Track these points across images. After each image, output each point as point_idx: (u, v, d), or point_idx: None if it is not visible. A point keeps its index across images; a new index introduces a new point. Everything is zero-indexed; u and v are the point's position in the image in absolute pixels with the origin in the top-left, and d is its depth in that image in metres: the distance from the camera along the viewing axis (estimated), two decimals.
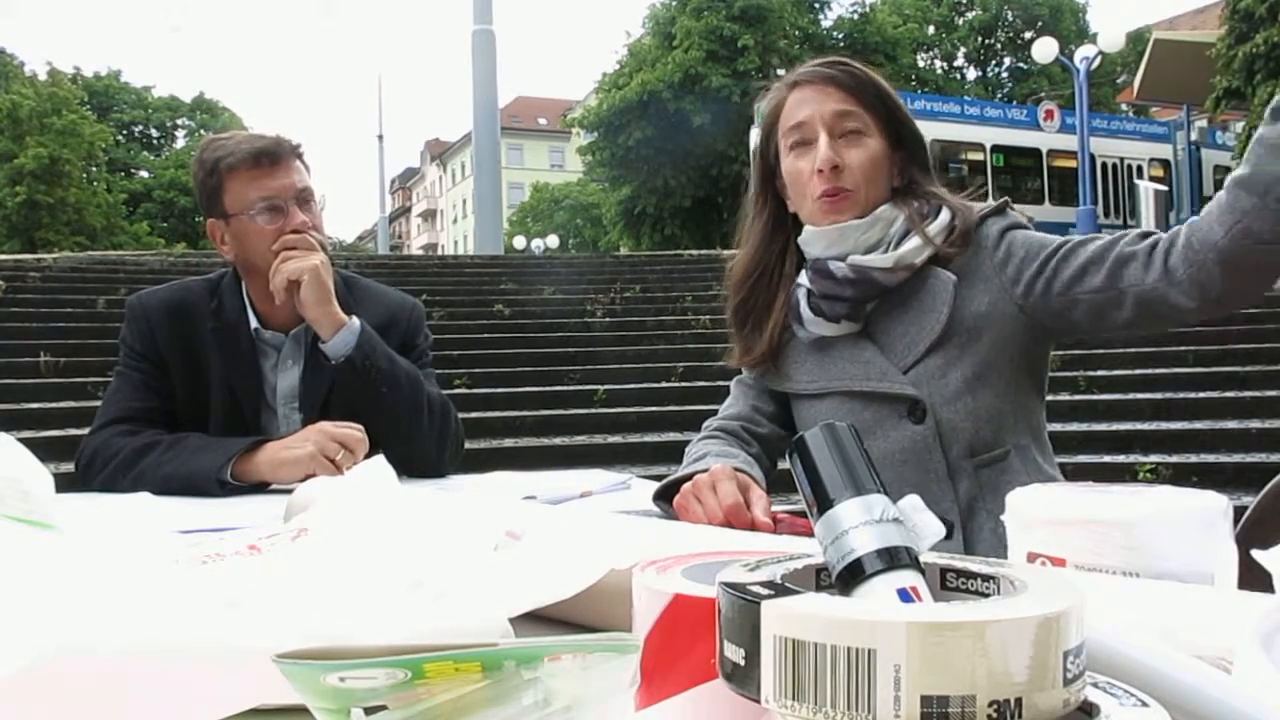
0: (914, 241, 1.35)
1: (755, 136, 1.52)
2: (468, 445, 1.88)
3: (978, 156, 19.30)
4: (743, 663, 0.35)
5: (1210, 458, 5.62)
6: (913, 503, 0.42)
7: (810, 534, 0.48)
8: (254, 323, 1.77)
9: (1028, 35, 33.72)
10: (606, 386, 7.14)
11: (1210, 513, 0.61)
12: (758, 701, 0.34)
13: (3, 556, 0.64)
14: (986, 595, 0.40)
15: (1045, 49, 16.72)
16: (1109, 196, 19.93)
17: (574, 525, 0.87)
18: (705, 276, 10.49)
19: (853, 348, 1.40)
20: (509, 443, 6.10)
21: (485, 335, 8.50)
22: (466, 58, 15.56)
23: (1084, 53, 16.66)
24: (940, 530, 0.41)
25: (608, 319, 9.32)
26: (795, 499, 0.44)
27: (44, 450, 1.09)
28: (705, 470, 1.18)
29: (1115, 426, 6.16)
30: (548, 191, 47.79)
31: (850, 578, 0.39)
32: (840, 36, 31.37)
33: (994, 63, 37.96)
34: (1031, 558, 0.63)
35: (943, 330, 1.34)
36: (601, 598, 0.59)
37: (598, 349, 8.23)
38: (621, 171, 29.25)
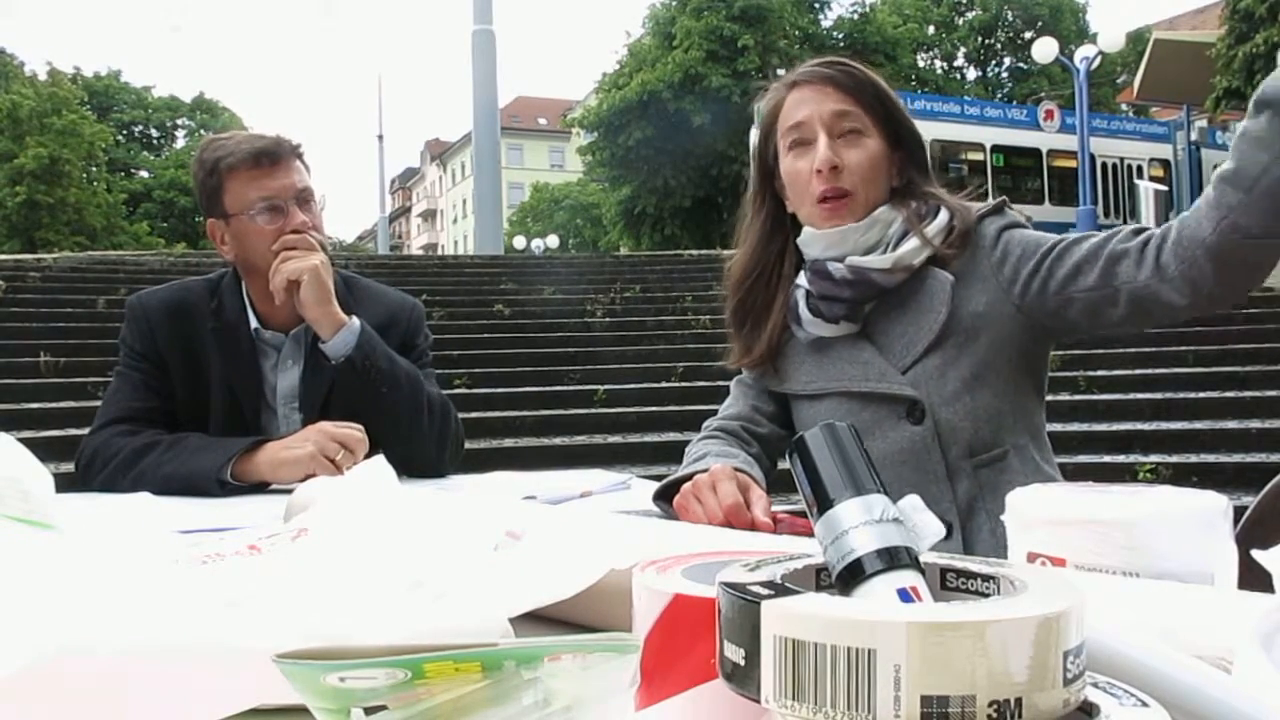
0: (912, 242, 1.35)
1: (755, 136, 1.52)
2: (468, 445, 1.88)
3: (978, 156, 19.26)
4: (743, 663, 0.35)
5: (1210, 458, 5.62)
6: (912, 503, 0.42)
7: (810, 534, 0.48)
8: (254, 323, 1.77)
9: (1028, 35, 33.74)
10: (606, 386, 7.14)
11: (1210, 513, 0.61)
12: (758, 701, 0.34)
13: (3, 556, 0.64)
14: (986, 595, 0.40)
15: (1045, 49, 16.70)
16: (1109, 196, 19.89)
17: (574, 525, 0.87)
18: (705, 276, 10.48)
19: (851, 348, 1.39)
20: (509, 443, 6.10)
21: (485, 335, 8.50)
22: (466, 58, 15.57)
23: (1084, 53, 16.64)
24: (940, 530, 0.41)
25: (608, 319, 9.33)
26: (795, 499, 0.44)
27: (44, 450, 1.09)
28: (705, 470, 1.18)
29: (1115, 426, 6.16)
30: (548, 191, 47.78)
31: (850, 578, 0.39)
32: (840, 36, 31.37)
33: (994, 63, 37.97)
34: (1031, 558, 0.63)
35: (941, 330, 1.34)
36: (601, 598, 0.59)
37: (598, 349, 8.24)
38: (621, 171, 29.24)
